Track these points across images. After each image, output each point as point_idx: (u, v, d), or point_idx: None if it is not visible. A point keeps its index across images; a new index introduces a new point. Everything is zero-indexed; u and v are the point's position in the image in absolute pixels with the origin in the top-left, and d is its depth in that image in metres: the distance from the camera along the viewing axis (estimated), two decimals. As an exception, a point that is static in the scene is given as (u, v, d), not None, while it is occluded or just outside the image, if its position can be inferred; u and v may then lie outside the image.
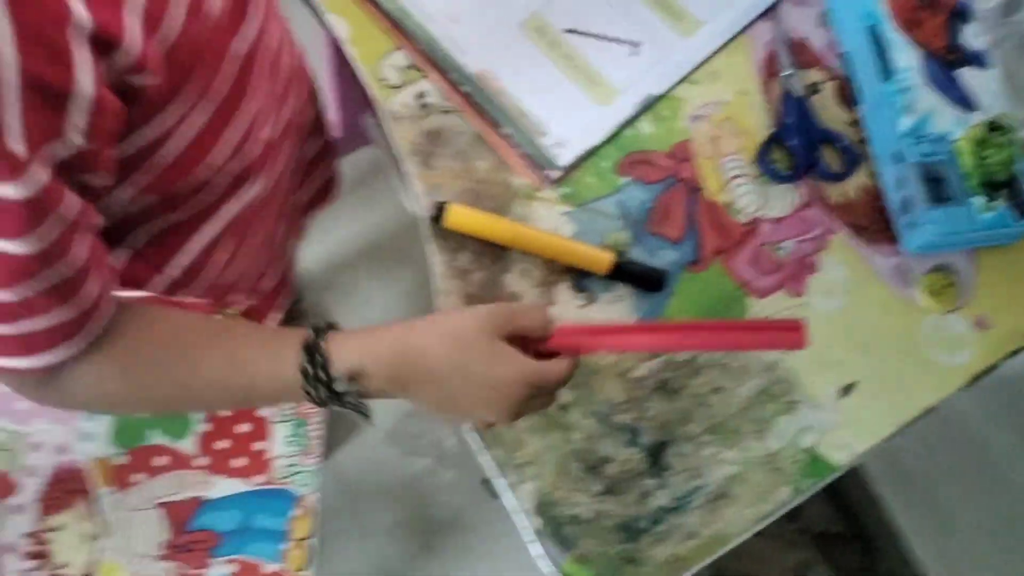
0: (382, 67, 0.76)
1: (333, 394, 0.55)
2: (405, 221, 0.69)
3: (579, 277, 0.72)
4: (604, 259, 0.71)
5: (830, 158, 0.78)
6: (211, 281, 0.74)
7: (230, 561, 0.88)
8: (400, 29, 0.76)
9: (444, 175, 0.74)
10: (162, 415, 0.58)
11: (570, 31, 0.78)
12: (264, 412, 0.92)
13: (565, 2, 0.79)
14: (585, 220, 0.74)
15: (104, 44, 0.44)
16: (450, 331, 0.56)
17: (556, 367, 0.57)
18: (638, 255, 0.73)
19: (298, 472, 0.92)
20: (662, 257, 0.74)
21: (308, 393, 0.55)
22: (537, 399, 0.57)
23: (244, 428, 0.95)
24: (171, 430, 0.90)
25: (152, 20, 0.48)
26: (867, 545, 1.44)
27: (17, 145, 0.41)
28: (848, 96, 0.80)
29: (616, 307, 0.72)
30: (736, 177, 0.76)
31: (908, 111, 0.74)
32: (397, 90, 0.76)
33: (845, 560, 1.44)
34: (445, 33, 0.76)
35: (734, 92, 0.79)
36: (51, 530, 0.87)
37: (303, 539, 0.90)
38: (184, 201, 0.64)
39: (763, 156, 0.77)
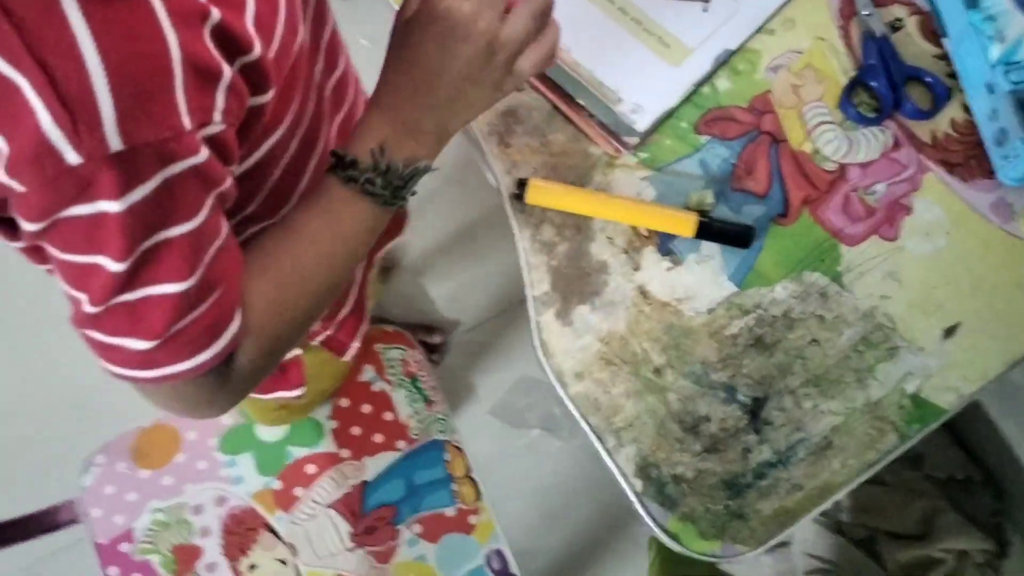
0: (455, 51, 0.78)
1: (383, 176, 0.56)
2: (494, 204, 0.71)
3: (665, 240, 0.73)
4: (688, 220, 0.71)
5: (917, 96, 0.75)
6: None
7: (413, 523, 0.97)
8: (469, 12, 0.78)
9: (522, 152, 0.75)
10: (312, 319, 0.62)
11: (638, -6, 0.78)
12: (379, 386, 0.97)
13: (631, -35, 0.78)
14: (667, 183, 0.74)
15: (232, 43, 0.46)
16: (391, 51, 0.57)
17: None
18: (723, 213, 0.73)
19: (431, 422, 1.00)
20: (749, 213, 0.73)
21: (369, 192, 0.56)
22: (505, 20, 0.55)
23: (367, 408, 1.01)
24: (305, 440, 0.97)
25: (266, 29, 0.50)
26: (997, 489, 1.39)
27: (186, 120, 0.43)
28: (932, 29, 0.77)
29: (704, 267, 0.72)
30: (820, 124, 0.75)
31: (998, 39, 0.71)
32: (471, 72, 0.77)
33: (975, 505, 1.40)
34: (513, 11, 0.77)
35: (812, 38, 0.77)
36: (250, 568, 0.95)
37: (465, 475, 0.98)
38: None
39: (847, 100, 0.75)
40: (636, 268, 0.72)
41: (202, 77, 0.44)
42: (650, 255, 0.73)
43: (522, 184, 0.73)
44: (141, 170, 0.42)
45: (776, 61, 0.77)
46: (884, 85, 0.75)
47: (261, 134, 0.56)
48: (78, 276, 0.46)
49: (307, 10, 0.62)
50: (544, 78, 0.76)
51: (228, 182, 0.50)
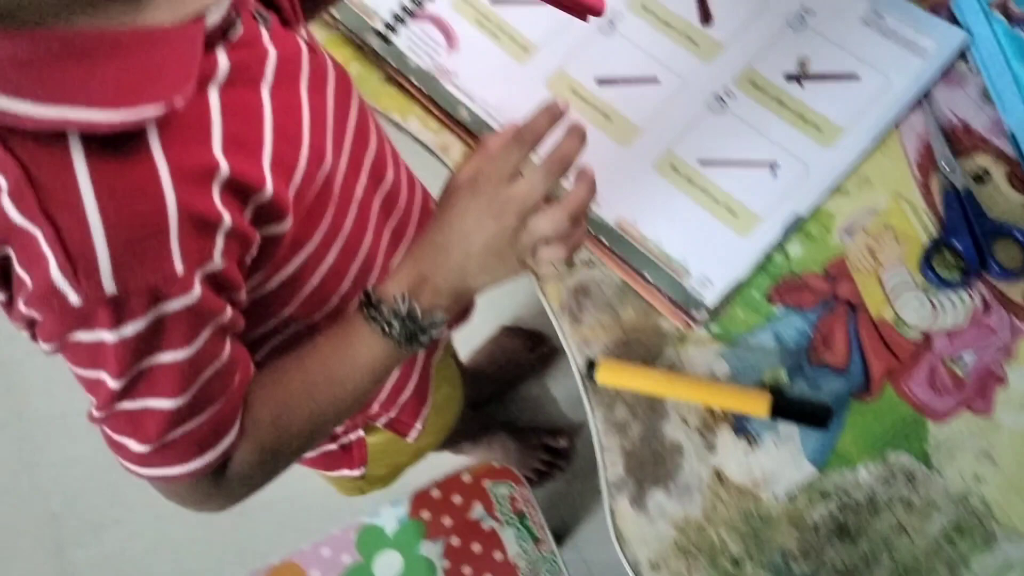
0: (524, 228, 0.79)
1: (402, 320, 0.60)
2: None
3: (740, 420, 0.71)
4: (762, 400, 0.70)
5: (1006, 254, 0.72)
6: None
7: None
8: (537, 189, 0.79)
9: (594, 329, 0.76)
10: (312, 441, 0.66)
11: (704, 162, 0.77)
12: (488, 524, 0.99)
13: (697, 133, 0.78)
14: (740, 357, 0.73)
15: (244, 188, 0.51)
16: (438, 208, 0.62)
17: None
18: (801, 389, 0.71)
19: (540, 562, 1.01)
20: (828, 388, 0.71)
21: (386, 333, 0.60)
22: (527, 205, 0.59)
23: (477, 548, 1.03)
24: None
25: (284, 165, 0.55)
26: None
27: (179, 266, 0.48)
28: (1021, 178, 0.73)
29: (783, 448, 0.70)
30: (901, 289, 0.72)
31: (1090, 201, 0.67)
32: (541, 249, 0.78)
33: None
34: (579, 187, 0.78)
35: (889, 196, 0.75)
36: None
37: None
38: (319, 328, 0.70)
39: (928, 263, 0.72)
40: (711, 450, 0.71)
41: (200, 226, 0.49)
42: (726, 436, 0.71)
43: (592, 365, 0.73)
44: (134, 309, 0.48)
45: (851, 223, 0.74)
46: (969, 245, 0.71)
47: (287, 253, 0.60)
48: (87, 385, 0.53)
49: (344, 135, 0.65)
50: (611, 252, 0.76)
51: (228, 313, 0.54)
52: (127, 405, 0.53)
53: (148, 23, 0.46)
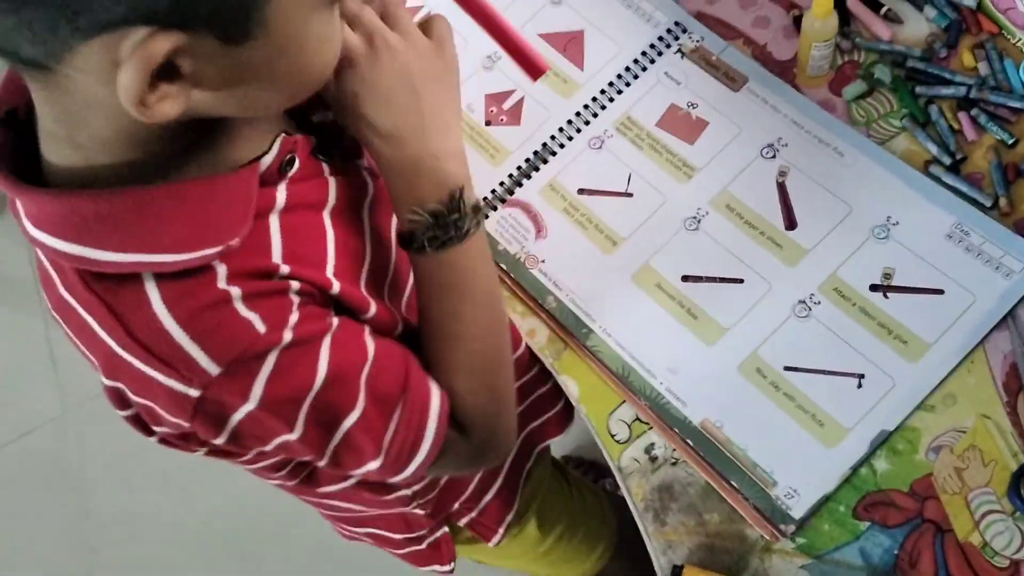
0: (611, 422, 0.81)
1: (434, 226, 0.62)
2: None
3: (826, 640, 0.71)
4: (850, 623, 0.70)
5: (1096, 484, 0.72)
6: (436, 495, 0.84)
7: None
8: (625, 385, 0.81)
9: (677, 531, 0.76)
10: (496, 353, 0.70)
11: (790, 368, 0.79)
12: None
13: (782, 338, 0.80)
14: (826, 573, 0.73)
15: (307, 288, 0.56)
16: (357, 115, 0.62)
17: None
18: (887, 611, 0.71)
19: None
20: (914, 612, 0.71)
21: (443, 242, 0.63)
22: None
23: None
24: None
25: (350, 275, 0.60)
26: None
27: (262, 328, 0.53)
28: (1110, 406, 0.74)
29: (869, 672, 0.70)
30: (988, 513, 0.73)
31: None
32: (626, 445, 0.80)
33: None
34: (666, 386, 0.80)
35: (975, 415, 0.76)
36: None
37: None
38: None
39: (1015, 488, 0.72)
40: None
41: (267, 291, 0.54)
42: (811, 656, 0.71)
43: (677, 571, 0.73)
44: (247, 374, 0.52)
45: (937, 441, 0.75)
46: (1058, 473, 0.72)
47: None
48: (289, 451, 0.58)
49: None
50: (696, 453, 0.77)
51: (332, 325, 0.57)
52: (333, 441, 0.58)
53: (209, 174, 0.53)
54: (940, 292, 0.79)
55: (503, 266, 0.88)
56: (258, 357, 0.53)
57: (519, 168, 0.92)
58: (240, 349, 0.52)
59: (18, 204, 0.53)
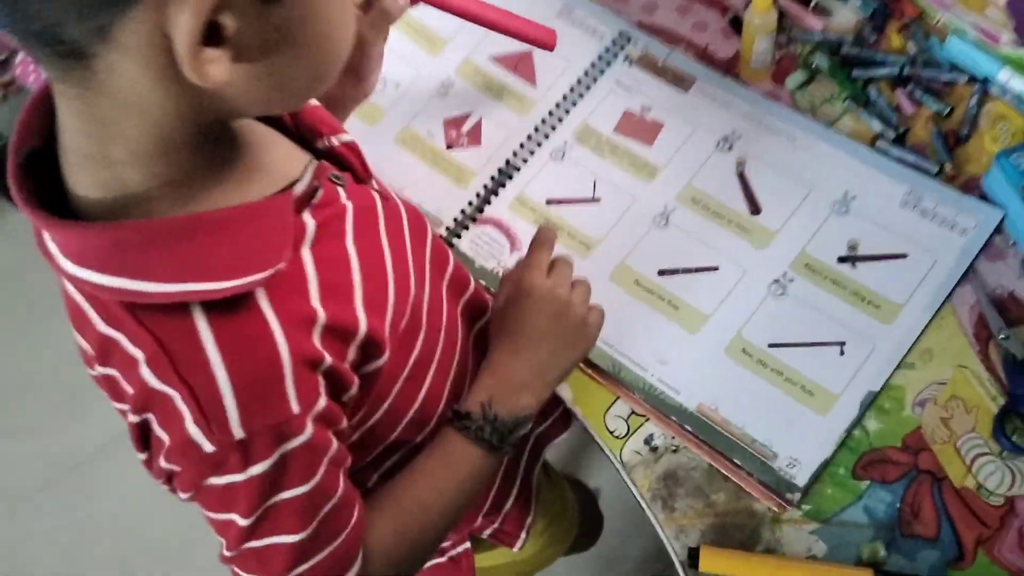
0: (608, 420, 0.83)
1: (491, 424, 0.69)
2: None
3: (845, 598, 0.73)
4: (865, 578, 0.72)
5: (1074, 418, 0.76)
6: None
7: None
8: (617, 381, 0.83)
9: (687, 515, 0.78)
10: (431, 549, 0.73)
11: (774, 345, 0.82)
12: None
13: (762, 317, 0.83)
14: (836, 535, 0.75)
15: (341, 332, 0.56)
16: (493, 328, 0.76)
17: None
18: (898, 563, 0.74)
19: None
20: (923, 559, 0.74)
21: (480, 438, 0.69)
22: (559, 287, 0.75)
23: None
24: None
25: (376, 305, 0.60)
26: None
27: (295, 406, 0.53)
28: (1075, 343, 0.78)
29: (890, 624, 0.72)
30: (978, 457, 0.76)
31: None
32: (625, 439, 0.81)
33: None
34: (657, 377, 0.82)
35: (953, 367, 0.79)
36: None
37: None
38: (422, 443, 0.74)
39: (1000, 430, 0.76)
40: None
41: (308, 367, 0.54)
42: (833, 616, 0.73)
43: (694, 553, 0.75)
44: (260, 451, 0.53)
45: (922, 395, 0.79)
46: (1036, 411, 0.76)
47: (387, 385, 0.66)
48: (219, 527, 0.57)
49: (424, 266, 0.72)
50: (695, 437, 0.79)
51: (335, 447, 0.58)
52: (255, 543, 0.57)
53: (244, 200, 0.53)
54: (903, 256, 0.83)
55: (483, 283, 0.89)
56: (283, 436, 0.53)
57: (486, 187, 0.95)
58: (273, 421, 0.53)
59: (49, 242, 0.52)
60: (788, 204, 0.88)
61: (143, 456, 0.58)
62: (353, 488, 0.63)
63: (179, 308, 0.50)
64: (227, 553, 0.59)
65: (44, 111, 0.51)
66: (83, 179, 0.50)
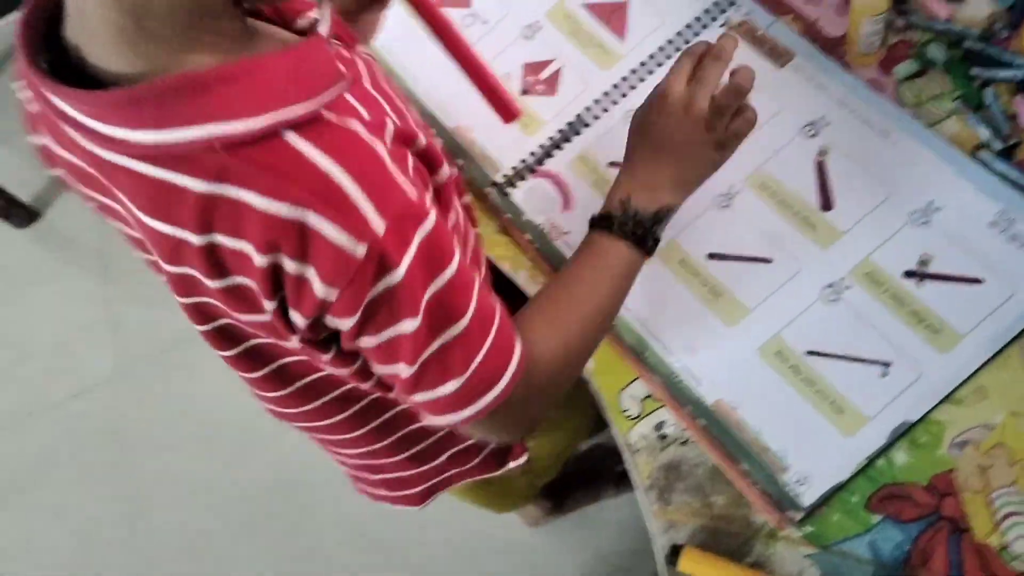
0: (622, 398, 0.79)
1: (632, 219, 0.69)
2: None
3: (826, 633, 0.68)
4: (852, 617, 0.67)
5: None
6: None
7: None
8: (640, 360, 0.79)
9: (681, 511, 0.74)
10: (590, 339, 0.70)
11: (812, 353, 0.76)
12: None
13: (807, 322, 0.77)
14: (832, 564, 0.70)
15: (406, 139, 0.58)
16: (631, 132, 0.73)
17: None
18: (894, 609, 0.68)
19: None
20: (923, 610, 0.68)
21: (623, 232, 0.69)
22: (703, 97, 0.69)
23: None
24: None
25: (415, 129, 0.61)
26: None
27: (412, 192, 0.54)
28: None
29: (869, 670, 0.67)
30: (1010, 515, 0.69)
31: None
32: (636, 421, 0.78)
33: None
34: (682, 364, 0.78)
35: (1006, 413, 0.72)
36: None
37: None
38: None
39: (1044, 491, 0.68)
40: None
41: (401, 163, 0.54)
42: (809, 648, 0.68)
43: (676, 550, 0.72)
44: (406, 235, 0.53)
45: (963, 436, 0.72)
46: (1091, 478, 0.67)
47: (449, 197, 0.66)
48: (392, 352, 0.57)
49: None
50: (707, 433, 0.75)
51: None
52: (431, 349, 0.57)
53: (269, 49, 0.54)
54: (978, 282, 0.75)
55: (528, 236, 0.87)
56: (415, 219, 0.54)
57: (551, 139, 0.91)
58: (401, 206, 0.53)
59: (104, 129, 0.51)
60: (863, 204, 0.81)
61: (271, 306, 0.55)
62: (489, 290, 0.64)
63: (272, 137, 0.50)
64: (407, 373, 0.58)
65: None
66: (120, 53, 0.50)
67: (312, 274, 0.52)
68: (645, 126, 0.72)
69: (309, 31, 0.57)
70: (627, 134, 0.73)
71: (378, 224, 0.51)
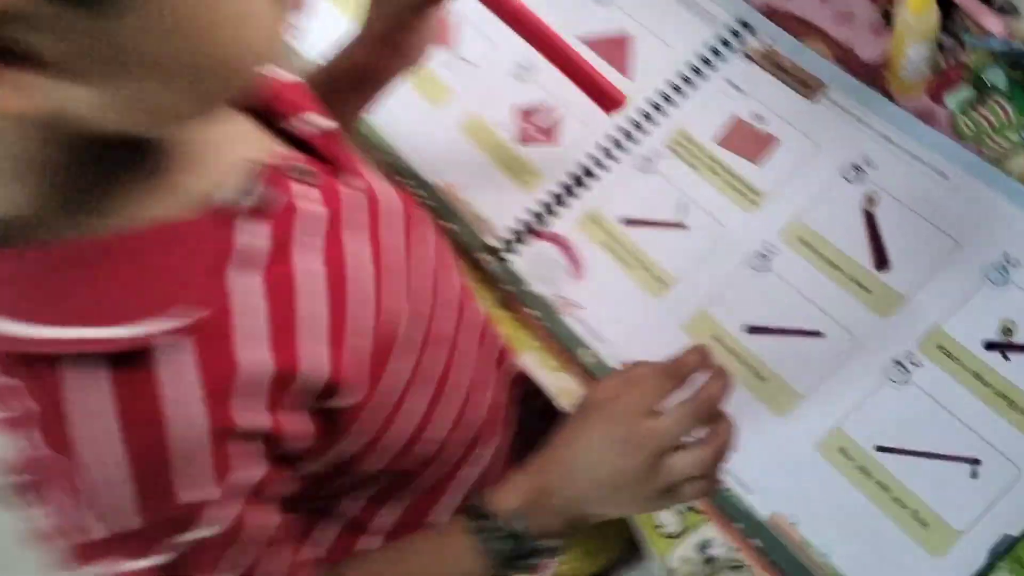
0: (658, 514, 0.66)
1: (511, 539, 0.55)
2: None
3: None
4: None
5: None
6: None
7: None
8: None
9: None
10: None
11: (882, 449, 0.64)
12: None
13: (873, 410, 0.65)
14: None
15: (280, 380, 0.45)
16: (566, 423, 0.58)
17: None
18: None
19: None
20: None
21: (488, 549, 0.55)
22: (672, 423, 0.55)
23: None
24: None
25: (344, 336, 0.49)
26: None
27: (212, 489, 0.43)
28: None
29: None
30: None
31: None
32: (676, 540, 0.65)
33: None
34: (727, 467, 0.65)
35: None
36: None
37: None
38: (418, 474, 0.65)
39: None
40: None
41: (224, 439, 0.44)
42: None
43: None
44: (158, 541, 0.44)
45: (1079, 548, 0.59)
46: None
47: (366, 417, 0.54)
48: None
49: (425, 275, 0.60)
50: (764, 557, 0.63)
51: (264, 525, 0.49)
52: None
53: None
54: (1077, 353, 0.63)
55: (534, 312, 0.74)
56: (179, 528, 0.44)
57: (554, 194, 0.79)
58: (171, 515, 0.43)
59: None
60: (926, 260, 0.68)
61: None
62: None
63: (77, 359, 0.40)
64: None
65: None
66: None
67: (54, 518, 0.44)
68: (586, 431, 0.57)
69: (222, 206, 0.44)
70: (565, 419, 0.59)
71: (130, 520, 0.42)
